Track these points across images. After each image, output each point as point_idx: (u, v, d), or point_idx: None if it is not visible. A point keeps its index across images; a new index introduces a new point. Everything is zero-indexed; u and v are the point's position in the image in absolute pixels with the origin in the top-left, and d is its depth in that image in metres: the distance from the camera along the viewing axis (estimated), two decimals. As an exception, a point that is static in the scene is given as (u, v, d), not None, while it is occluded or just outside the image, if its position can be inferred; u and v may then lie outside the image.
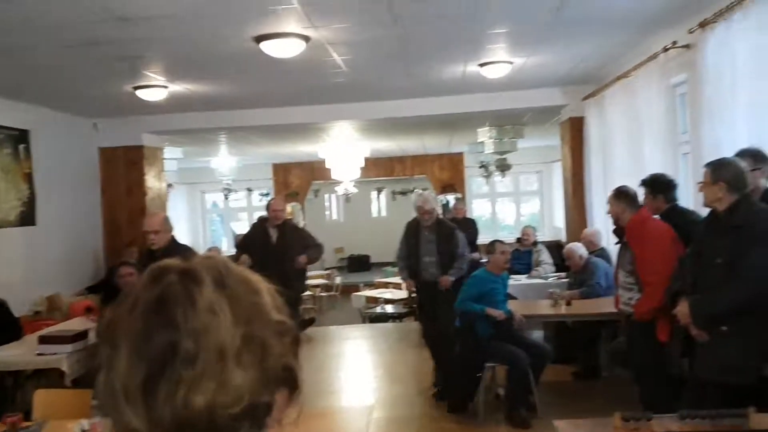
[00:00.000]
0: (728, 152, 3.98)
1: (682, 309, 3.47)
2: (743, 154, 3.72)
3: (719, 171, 3.38)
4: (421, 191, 5.97)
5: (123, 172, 8.41)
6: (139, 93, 6.50)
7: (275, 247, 6.20)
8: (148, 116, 8.12)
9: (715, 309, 3.33)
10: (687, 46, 5.03)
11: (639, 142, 6.01)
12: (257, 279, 0.80)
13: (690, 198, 4.98)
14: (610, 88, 6.80)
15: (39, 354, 4.81)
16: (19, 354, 4.92)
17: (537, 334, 7.76)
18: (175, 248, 4.70)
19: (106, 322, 0.74)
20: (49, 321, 6.27)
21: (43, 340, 4.89)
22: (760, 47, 3.98)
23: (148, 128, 8.37)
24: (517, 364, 5.20)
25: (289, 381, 0.78)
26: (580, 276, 6.51)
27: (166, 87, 6.49)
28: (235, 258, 7.17)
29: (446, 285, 5.93)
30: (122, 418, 0.71)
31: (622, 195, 4.51)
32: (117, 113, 7.94)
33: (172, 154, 10.80)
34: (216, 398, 0.70)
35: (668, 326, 4.00)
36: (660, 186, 4.51)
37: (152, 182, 8.59)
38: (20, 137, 7.03)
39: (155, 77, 6.17)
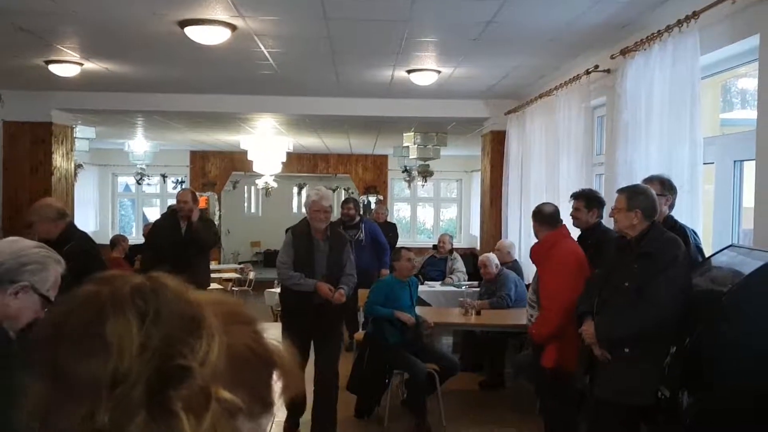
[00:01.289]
0: (640, 176, 4.12)
1: (588, 329, 3.55)
2: (652, 180, 3.85)
3: (635, 199, 3.45)
4: (319, 188, 5.11)
5: (28, 149, 7.93)
6: (52, 67, 6.15)
7: (183, 240, 5.98)
8: (59, 92, 7.69)
9: (620, 331, 3.41)
10: (608, 71, 5.19)
11: (556, 159, 6.16)
12: (204, 316, 0.69)
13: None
14: (532, 105, 6.95)
15: None
16: None
17: (446, 341, 7.86)
18: (66, 239, 4.38)
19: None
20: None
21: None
22: (674, 79, 4.13)
23: (58, 104, 7.93)
24: (414, 375, 5.25)
25: None
26: (491, 286, 6.62)
27: (81, 64, 6.16)
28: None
29: (339, 300, 4.78)
30: None
31: (537, 214, 4.54)
32: (25, 86, 7.48)
33: (84, 133, 10.30)
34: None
35: (554, 352, 4.05)
36: (596, 201, 4.51)
37: (60, 162, 8.15)
38: None
39: (70, 53, 5.85)
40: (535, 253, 4.46)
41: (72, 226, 4.74)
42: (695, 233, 3.85)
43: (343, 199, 7.84)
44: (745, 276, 2.96)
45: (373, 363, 5.35)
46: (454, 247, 8.70)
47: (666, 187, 3.82)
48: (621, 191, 3.57)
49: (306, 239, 4.83)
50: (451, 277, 8.07)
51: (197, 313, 0.69)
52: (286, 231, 6.93)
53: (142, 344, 0.64)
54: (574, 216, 4.54)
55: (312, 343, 4.83)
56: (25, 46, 5.59)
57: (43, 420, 0.64)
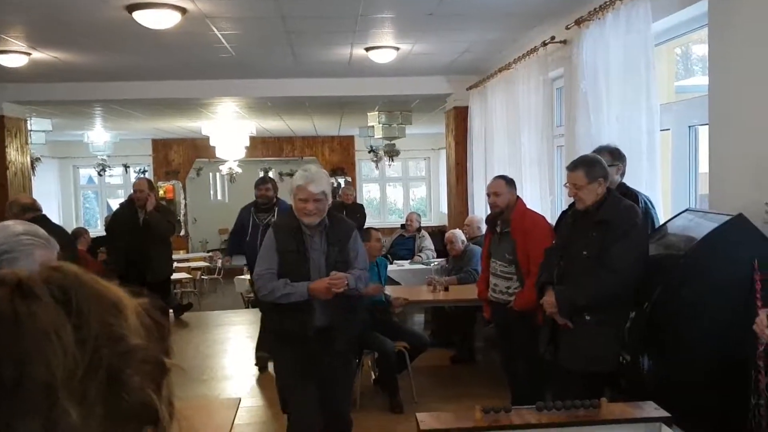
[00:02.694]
0: (599, 145, 4.14)
1: (548, 299, 3.58)
2: (601, 150, 3.87)
3: (594, 170, 3.46)
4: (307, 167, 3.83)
5: (-22, 144, 7.73)
6: (-2, 58, 5.97)
7: (142, 229, 5.89)
8: (9, 84, 7.47)
9: (581, 300, 3.44)
10: (564, 42, 5.19)
11: (517, 133, 6.17)
12: (119, 294, 0.67)
13: (562, 190, 5.15)
14: (492, 80, 6.94)
15: None
16: None
17: (418, 319, 7.89)
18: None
19: None
20: None
21: None
22: (628, 47, 4.15)
23: (9, 97, 7.71)
24: (383, 354, 5.28)
25: (148, 418, 0.65)
26: (458, 262, 6.64)
27: (28, 54, 5.98)
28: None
29: (337, 286, 3.50)
30: None
31: (510, 181, 4.59)
32: (-27, 78, 7.27)
33: (39, 126, 10.04)
34: None
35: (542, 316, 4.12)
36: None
37: (14, 156, 7.94)
38: None
39: (15, 42, 5.67)
40: (516, 221, 4.45)
41: (42, 219, 4.62)
42: (649, 200, 3.88)
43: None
44: (700, 239, 3.00)
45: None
46: (424, 225, 8.71)
47: (615, 156, 3.85)
48: (575, 167, 3.51)
49: (295, 236, 3.52)
50: (419, 255, 8.08)
51: (109, 290, 0.67)
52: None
53: (78, 332, 0.61)
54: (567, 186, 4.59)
55: (315, 381, 3.61)
56: (-31, 36, 5.41)
57: None
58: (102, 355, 0.61)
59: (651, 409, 2.25)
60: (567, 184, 3.57)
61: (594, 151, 3.83)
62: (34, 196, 8.33)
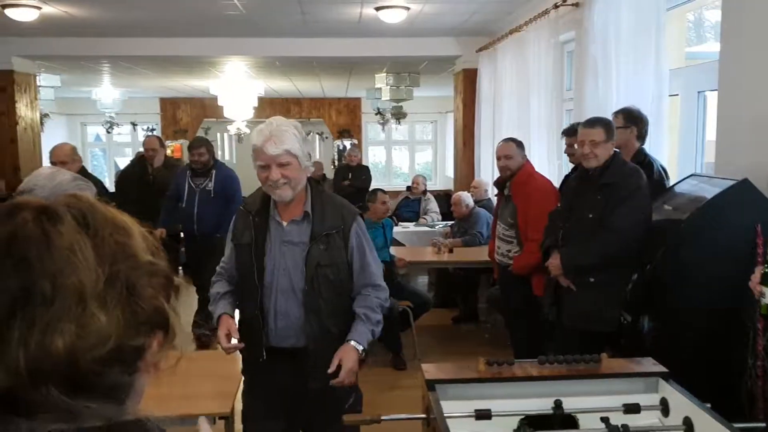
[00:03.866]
0: (608, 110, 4.14)
1: (554, 261, 3.63)
2: (617, 114, 3.89)
3: (611, 128, 3.51)
4: None
5: (-10, 99, 7.75)
6: (8, 12, 5.95)
7: (152, 186, 5.95)
8: (19, 38, 7.46)
9: (584, 261, 3.50)
10: (576, 4, 5.14)
11: (527, 96, 6.16)
12: (127, 219, 0.76)
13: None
14: (502, 42, 6.90)
15: None
16: None
17: (422, 280, 7.98)
18: None
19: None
20: None
21: None
22: (640, 11, 4.12)
23: (18, 51, 7.70)
24: (388, 312, 5.35)
25: (161, 323, 0.75)
26: (463, 224, 6.70)
27: (39, 8, 5.97)
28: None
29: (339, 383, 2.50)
30: None
31: (520, 144, 4.62)
32: (-17, 32, 7.26)
33: (48, 81, 10.04)
34: (77, 341, 0.66)
35: (543, 280, 4.18)
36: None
37: (24, 111, 7.97)
38: None
39: (26, -5, 5.67)
40: (517, 185, 4.50)
41: (82, 170, 4.89)
42: (664, 169, 3.89)
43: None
44: (704, 202, 3.03)
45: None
46: (429, 189, 8.74)
47: (628, 118, 3.84)
48: (594, 124, 3.51)
49: (253, 221, 2.52)
50: (425, 218, 8.14)
51: (118, 215, 0.76)
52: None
53: (97, 250, 0.70)
54: (567, 153, 4.60)
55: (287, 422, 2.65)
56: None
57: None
58: (119, 269, 0.71)
59: (649, 364, 2.32)
60: (578, 142, 3.58)
61: (612, 114, 3.87)
62: (43, 152, 8.41)
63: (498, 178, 4.83)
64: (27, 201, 0.71)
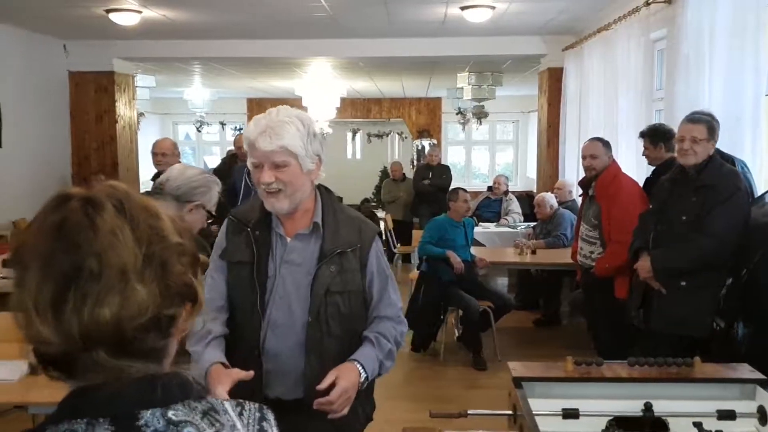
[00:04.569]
0: (701, 110, 4.01)
1: (643, 264, 3.56)
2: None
3: (715, 127, 3.38)
4: None
5: (93, 98, 8.21)
6: (112, 16, 6.30)
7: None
8: (120, 41, 7.89)
9: (677, 264, 3.41)
10: (669, 1, 5.00)
11: (615, 96, 6.02)
12: (157, 206, 0.88)
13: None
14: (590, 40, 6.77)
15: (2, 277, 4.78)
16: (-18, 276, 4.88)
17: (501, 281, 7.93)
18: None
19: (16, 245, 0.81)
20: (14, 245, 6.21)
21: (8, 263, 4.85)
22: (738, 7, 3.98)
23: (119, 53, 8.14)
24: (467, 312, 5.37)
25: (190, 296, 0.87)
26: (547, 226, 6.62)
27: (139, 12, 6.29)
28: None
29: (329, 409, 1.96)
30: (34, 331, 0.78)
31: (607, 143, 4.55)
32: (88, 35, 7.70)
33: (144, 82, 10.55)
34: (121, 311, 0.78)
35: (627, 283, 4.09)
36: (660, 135, 4.37)
37: (123, 110, 8.41)
38: (-15, 56, 6.81)
39: (129, 0, 5.98)
40: (601, 185, 4.43)
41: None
42: (745, 164, 3.76)
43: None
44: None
45: (428, 300, 5.48)
46: (510, 189, 8.67)
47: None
48: (698, 121, 3.39)
49: (253, 235, 2.05)
50: (506, 219, 8.08)
51: (150, 201, 0.88)
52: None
53: (134, 233, 0.82)
54: (645, 155, 4.50)
55: None
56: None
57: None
58: (154, 249, 0.82)
59: (746, 371, 2.25)
60: (678, 138, 3.46)
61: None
62: (139, 150, 8.84)
63: (583, 178, 4.75)
64: (74, 191, 0.84)
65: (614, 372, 2.26)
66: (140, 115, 10.81)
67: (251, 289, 2.00)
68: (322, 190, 2.11)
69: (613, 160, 4.60)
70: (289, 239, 2.03)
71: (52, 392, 2.78)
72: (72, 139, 8.27)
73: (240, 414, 0.89)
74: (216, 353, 1.93)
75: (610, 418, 2.11)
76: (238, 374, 1.84)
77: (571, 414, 2.09)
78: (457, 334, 5.95)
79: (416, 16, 6.77)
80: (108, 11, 6.22)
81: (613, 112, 6.06)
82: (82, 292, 0.77)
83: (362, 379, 1.91)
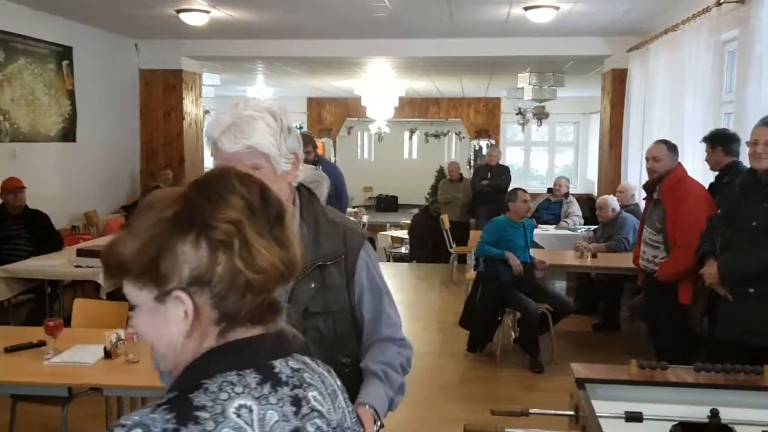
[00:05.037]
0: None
1: (710, 269, 3.48)
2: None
3: None
4: None
5: (161, 96, 8.49)
6: (182, 16, 6.51)
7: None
8: (187, 40, 8.14)
9: (746, 270, 3.32)
10: (741, 1, 4.87)
11: (681, 98, 5.89)
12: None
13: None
14: (656, 41, 6.64)
15: (77, 266, 5.01)
16: (59, 264, 5.13)
17: (559, 285, 7.84)
18: None
19: (227, 224, 0.89)
20: (85, 236, 6.50)
21: (81, 253, 5.07)
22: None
23: (187, 52, 8.40)
24: (526, 314, 5.33)
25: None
26: (608, 229, 6.51)
27: (208, 12, 6.48)
28: None
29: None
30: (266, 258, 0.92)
31: (673, 147, 4.46)
32: (157, 35, 7.97)
33: (210, 80, 10.84)
34: (272, 260, 0.94)
35: (691, 288, 4.01)
36: (718, 139, 4.33)
37: (190, 107, 8.68)
38: (64, 53, 7.13)
39: (198, 1, 6.16)
40: (667, 188, 4.35)
41: None
42: None
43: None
44: None
45: (486, 301, 5.47)
46: (570, 191, 8.56)
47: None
48: None
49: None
50: (566, 221, 7.98)
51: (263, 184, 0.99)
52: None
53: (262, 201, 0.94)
54: (706, 159, 4.42)
55: None
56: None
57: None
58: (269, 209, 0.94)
59: (819, 381, 2.20)
60: (751, 141, 3.37)
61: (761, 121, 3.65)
62: (205, 146, 9.09)
63: (647, 181, 4.67)
64: (242, 174, 0.97)
65: (680, 377, 2.23)
66: (205, 112, 11.11)
67: None
68: (303, 193, 1.79)
69: (679, 163, 4.50)
70: None
71: (124, 376, 2.91)
72: (141, 134, 8.58)
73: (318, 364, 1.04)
74: None
75: (675, 423, 2.08)
76: None
77: (634, 417, 2.07)
78: (513, 336, 5.92)
79: (479, 16, 6.77)
80: (179, 11, 6.43)
81: (679, 115, 5.93)
82: (247, 245, 0.90)
83: (377, 428, 1.63)
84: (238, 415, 0.85)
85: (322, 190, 2.66)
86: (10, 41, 6.33)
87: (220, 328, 0.91)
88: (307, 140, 5.97)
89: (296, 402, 0.92)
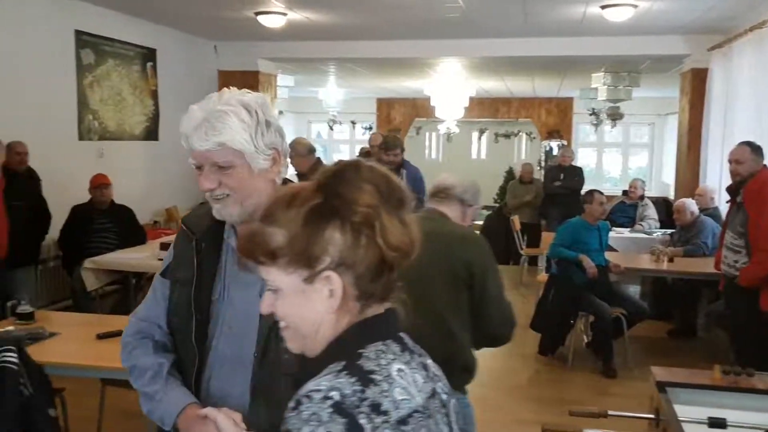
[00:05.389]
0: None
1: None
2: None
3: None
4: None
5: (239, 97, 8.73)
6: (260, 18, 6.69)
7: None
8: (264, 42, 8.34)
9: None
10: (836, -3, 4.66)
11: (767, 98, 5.67)
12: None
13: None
14: (740, 39, 6.40)
15: (160, 259, 5.22)
16: (143, 257, 5.36)
17: (633, 289, 7.66)
18: (315, 171, 5.10)
19: (366, 208, 0.98)
20: (167, 230, 6.77)
21: (165, 246, 5.29)
22: None
23: (264, 54, 8.62)
24: (600, 317, 5.25)
25: None
26: (686, 233, 6.33)
27: (285, 14, 6.64)
28: None
29: None
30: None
31: (757, 149, 4.33)
32: (236, 37, 8.21)
33: (284, 82, 11.08)
34: (403, 239, 1.04)
35: None
36: None
37: (265, 108, 8.89)
38: (148, 55, 7.44)
39: (277, 3, 6.32)
40: (749, 192, 4.22)
41: (319, 160, 5.50)
42: None
43: (384, 140, 6.05)
44: None
45: (558, 303, 5.41)
46: (645, 194, 8.36)
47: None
48: None
49: (209, 249, 1.63)
50: (641, 224, 7.80)
51: (387, 172, 1.06)
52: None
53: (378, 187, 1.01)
54: None
55: None
56: None
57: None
58: (393, 199, 1.02)
59: None
60: None
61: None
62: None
63: (730, 184, 4.54)
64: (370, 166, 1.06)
65: (766, 384, 2.18)
66: (279, 113, 11.37)
67: (188, 317, 1.59)
68: None
69: (764, 166, 4.35)
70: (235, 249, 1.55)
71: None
72: (219, 134, 8.83)
73: None
74: (179, 391, 1.57)
75: (762, 431, 2.04)
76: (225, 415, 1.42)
77: (718, 423, 2.04)
78: (586, 340, 5.83)
79: (554, 16, 6.69)
80: (257, 14, 6.61)
81: (764, 117, 5.71)
82: (382, 226, 0.99)
83: None
84: (400, 377, 0.96)
85: (480, 199, 2.85)
86: (101, 44, 6.66)
87: (360, 305, 1.00)
88: (395, 143, 6.03)
89: (425, 367, 1.03)
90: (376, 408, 0.90)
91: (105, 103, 6.77)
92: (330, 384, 0.91)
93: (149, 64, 7.46)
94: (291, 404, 0.92)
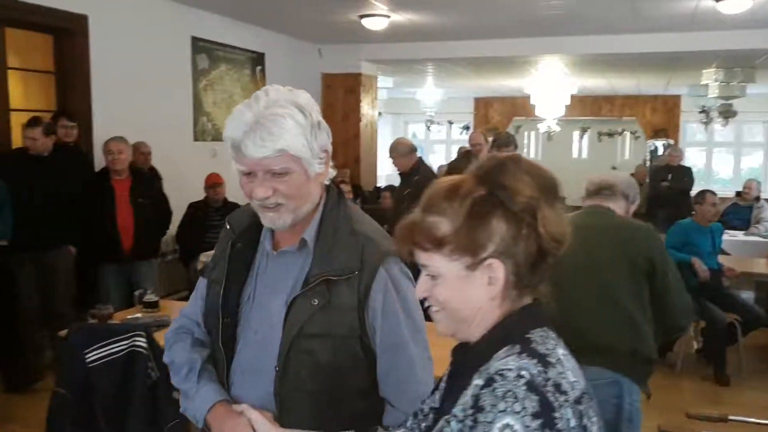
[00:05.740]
0: None
1: None
2: None
3: None
4: None
5: (341, 98, 8.94)
6: (364, 21, 6.84)
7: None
8: (366, 44, 8.50)
9: None
10: None
11: None
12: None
13: None
14: None
15: (268, 254, 5.46)
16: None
17: (746, 295, 7.28)
18: (416, 171, 5.42)
19: (527, 199, 1.03)
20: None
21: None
22: None
23: (365, 56, 8.78)
24: (712, 323, 5.04)
25: None
26: (808, 237, 5.97)
27: (388, 16, 6.76)
28: None
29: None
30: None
31: None
32: (339, 40, 8.41)
33: (383, 83, 11.24)
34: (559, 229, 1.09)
35: None
36: None
37: (366, 110, 9.06)
38: (257, 59, 7.76)
39: (380, 6, 6.45)
40: None
41: (421, 160, 5.61)
42: None
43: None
44: None
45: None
46: (761, 195, 7.94)
47: None
48: None
49: (244, 249, 1.58)
50: (756, 227, 7.42)
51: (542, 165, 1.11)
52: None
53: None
54: None
55: None
56: (341, 2, 6.30)
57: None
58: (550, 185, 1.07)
59: None
60: None
61: None
62: (378, 147, 9.47)
63: None
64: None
65: None
66: (378, 114, 11.55)
67: (216, 319, 1.54)
68: (332, 193, 1.54)
69: None
70: (270, 255, 1.54)
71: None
72: (320, 136, 9.08)
73: None
74: (211, 388, 1.53)
75: None
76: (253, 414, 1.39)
77: None
78: (696, 346, 5.60)
79: (664, 10, 6.46)
80: (361, 17, 6.77)
81: None
82: (543, 217, 1.04)
83: None
84: (566, 361, 1.01)
85: (638, 197, 2.94)
86: (215, 50, 7.01)
87: (517, 292, 1.05)
88: (509, 140, 6.14)
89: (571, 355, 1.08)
90: (558, 387, 0.94)
91: (218, 106, 7.11)
92: (517, 364, 0.96)
93: (258, 68, 7.78)
94: (478, 382, 0.97)
